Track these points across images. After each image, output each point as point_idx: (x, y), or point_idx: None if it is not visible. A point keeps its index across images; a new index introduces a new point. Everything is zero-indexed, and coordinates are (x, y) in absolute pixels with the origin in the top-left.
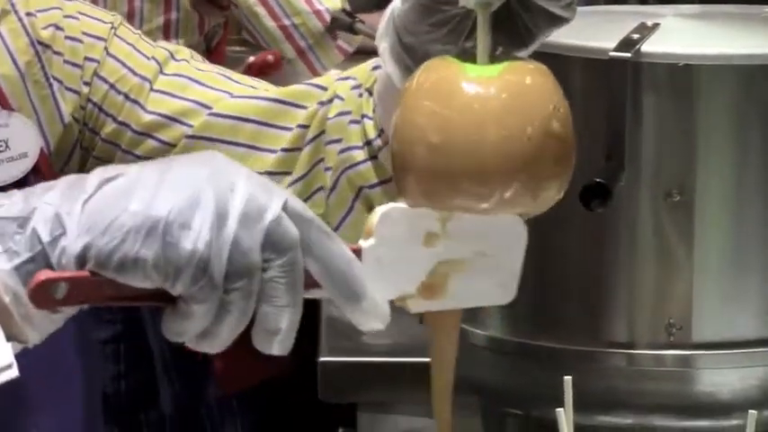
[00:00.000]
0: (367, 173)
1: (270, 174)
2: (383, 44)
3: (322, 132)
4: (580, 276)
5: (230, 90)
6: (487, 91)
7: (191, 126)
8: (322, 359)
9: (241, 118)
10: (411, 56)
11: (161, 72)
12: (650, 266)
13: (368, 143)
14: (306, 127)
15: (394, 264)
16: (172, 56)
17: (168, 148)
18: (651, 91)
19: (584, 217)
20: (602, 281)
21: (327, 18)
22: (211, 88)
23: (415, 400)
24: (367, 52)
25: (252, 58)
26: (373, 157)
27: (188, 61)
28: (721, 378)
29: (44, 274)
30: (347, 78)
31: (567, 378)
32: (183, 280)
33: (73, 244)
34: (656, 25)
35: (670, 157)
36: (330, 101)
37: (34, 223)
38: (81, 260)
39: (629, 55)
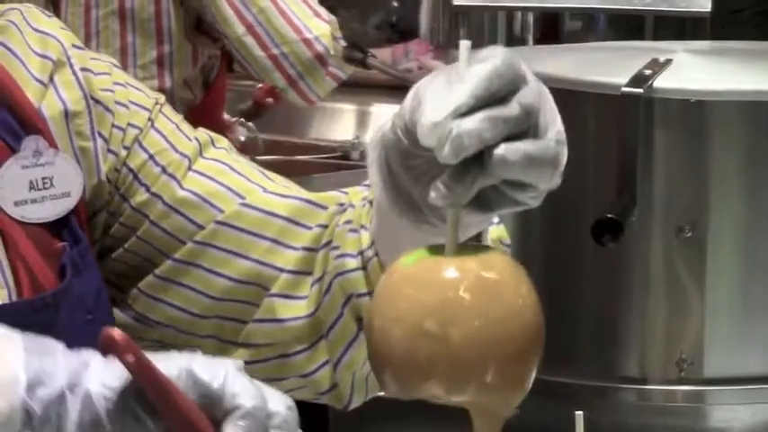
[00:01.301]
0: (357, 281)
1: (293, 273)
2: (370, 154)
3: (332, 240)
4: (592, 311)
5: (264, 185)
6: (459, 285)
7: (222, 211)
8: None
9: (272, 213)
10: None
11: (201, 154)
12: (661, 302)
13: (361, 253)
14: (325, 227)
15: None
16: (212, 142)
17: (196, 230)
18: (663, 127)
19: (596, 252)
20: (613, 316)
21: (317, 46)
22: (247, 179)
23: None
24: (376, 86)
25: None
26: (365, 267)
27: (227, 150)
28: (732, 414)
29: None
30: (365, 186)
31: (579, 413)
32: None
33: None
34: (668, 61)
35: (681, 193)
36: (345, 209)
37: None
38: None
39: (641, 91)
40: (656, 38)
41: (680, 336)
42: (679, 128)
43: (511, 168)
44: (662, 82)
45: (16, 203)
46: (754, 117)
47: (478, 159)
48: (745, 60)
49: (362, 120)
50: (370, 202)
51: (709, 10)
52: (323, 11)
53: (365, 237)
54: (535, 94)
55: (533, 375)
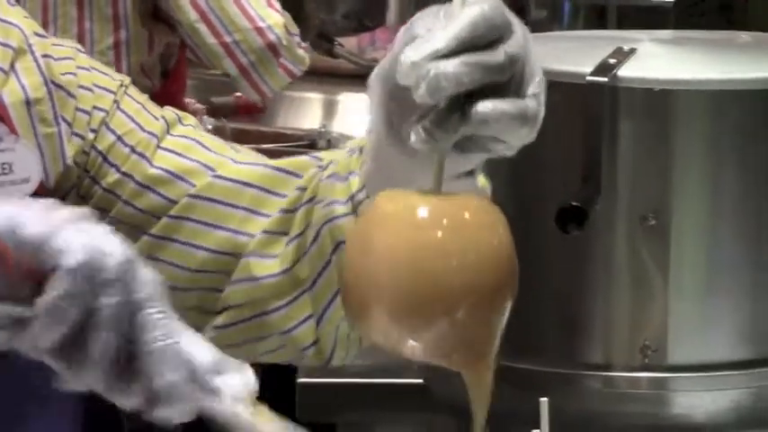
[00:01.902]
0: (346, 227)
1: (267, 233)
2: (370, 86)
3: (315, 195)
4: (556, 299)
5: (233, 157)
6: (437, 224)
7: (194, 185)
8: (300, 380)
9: (243, 182)
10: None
11: (168, 132)
12: (625, 289)
13: (351, 197)
14: (303, 189)
15: None
16: (179, 120)
17: (170, 205)
18: (627, 115)
19: (561, 240)
20: (577, 303)
21: (269, 35)
22: (216, 153)
23: (392, 419)
24: (343, 75)
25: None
26: (355, 211)
27: (194, 127)
28: (696, 400)
29: None
30: (348, 149)
31: (544, 400)
32: None
33: None
34: (632, 50)
35: (646, 181)
36: (326, 166)
37: None
38: None
39: (605, 79)
40: (619, 27)
41: (644, 323)
42: (643, 117)
43: (490, 127)
44: (626, 71)
45: None
46: (718, 106)
47: (461, 107)
48: (708, 50)
49: (330, 109)
50: (360, 150)
51: (672, 0)
52: (276, 3)
53: (354, 181)
54: (521, 44)
55: (505, 319)
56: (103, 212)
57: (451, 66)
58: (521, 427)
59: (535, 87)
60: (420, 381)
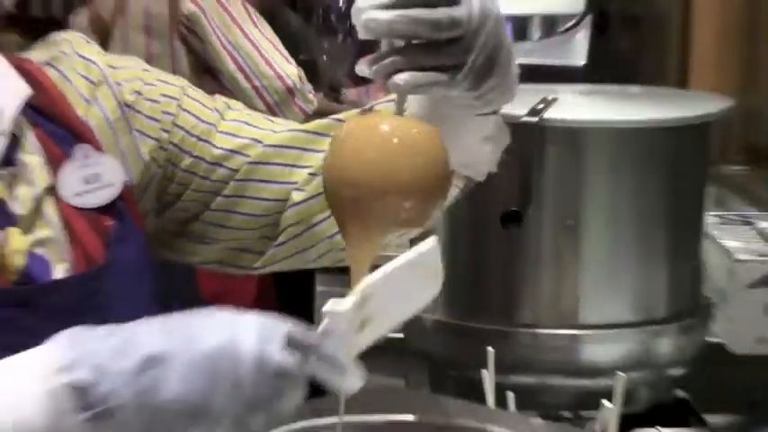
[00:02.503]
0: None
1: (310, 174)
2: None
3: None
4: (499, 276)
5: (272, 128)
6: (391, 135)
7: (248, 156)
8: (319, 288)
9: (284, 146)
10: None
11: (222, 119)
12: (549, 270)
13: None
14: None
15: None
16: (228, 106)
17: (233, 173)
18: (551, 146)
19: (503, 235)
20: (515, 279)
21: (287, 81)
22: (259, 128)
23: (381, 367)
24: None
25: None
26: None
27: (239, 110)
28: (599, 350)
29: None
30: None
31: (490, 349)
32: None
33: (132, 423)
34: (554, 99)
35: (564, 194)
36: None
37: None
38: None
39: (536, 120)
40: (543, 82)
41: (562, 294)
42: (563, 147)
43: (401, 88)
44: (550, 114)
45: (76, 194)
46: (617, 139)
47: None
48: (608, 98)
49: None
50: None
51: (584, 62)
52: (291, 59)
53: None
54: (471, 13)
55: (442, 202)
56: (185, 187)
57: (385, 15)
58: (474, 368)
59: (486, 52)
60: (400, 335)
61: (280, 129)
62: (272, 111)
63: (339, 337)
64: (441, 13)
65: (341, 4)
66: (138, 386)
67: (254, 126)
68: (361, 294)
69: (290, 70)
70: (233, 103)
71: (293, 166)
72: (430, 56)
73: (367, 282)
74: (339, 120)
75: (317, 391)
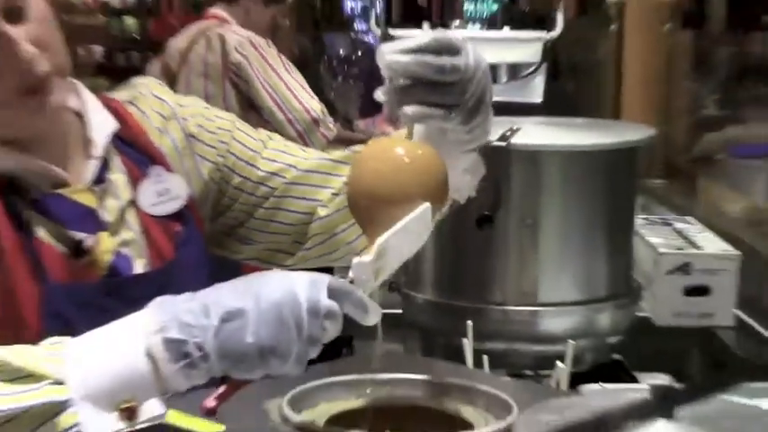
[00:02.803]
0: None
1: (333, 194)
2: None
3: None
4: (476, 266)
5: (305, 156)
6: (403, 156)
7: (285, 178)
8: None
9: (313, 170)
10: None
11: (264, 147)
12: (515, 260)
13: None
14: None
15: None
16: (269, 137)
17: (273, 191)
18: (516, 164)
19: (479, 233)
20: (488, 267)
21: (312, 113)
22: (294, 156)
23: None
24: (357, 141)
25: None
26: None
27: (278, 141)
28: (554, 323)
29: (211, 403)
30: None
31: (469, 322)
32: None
33: (216, 367)
34: (518, 128)
35: (525, 200)
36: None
37: (187, 349)
38: (219, 372)
39: (504, 144)
40: (508, 115)
41: (524, 279)
42: (525, 165)
43: (409, 117)
44: (516, 139)
45: (151, 205)
46: (566, 160)
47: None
48: (561, 128)
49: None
50: None
51: (540, 100)
52: (315, 96)
53: None
54: (467, 63)
55: (440, 209)
56: (234, 201)
57: (405, 58)
58: (456, 337)
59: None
60: (399, 311)
61: (310, 157)
62: (301, 137)
63: (364, 283)
64: (445, 60)
65: (341, 53)
66: (220, 337)
67: (290, 154)
68: (378, 249)
69: (315, 105)
70: (273, 135)
71: (320, 186)
72: (434, 94)
73: (380, 240)
74: (356, 151)
75: (335, 354)
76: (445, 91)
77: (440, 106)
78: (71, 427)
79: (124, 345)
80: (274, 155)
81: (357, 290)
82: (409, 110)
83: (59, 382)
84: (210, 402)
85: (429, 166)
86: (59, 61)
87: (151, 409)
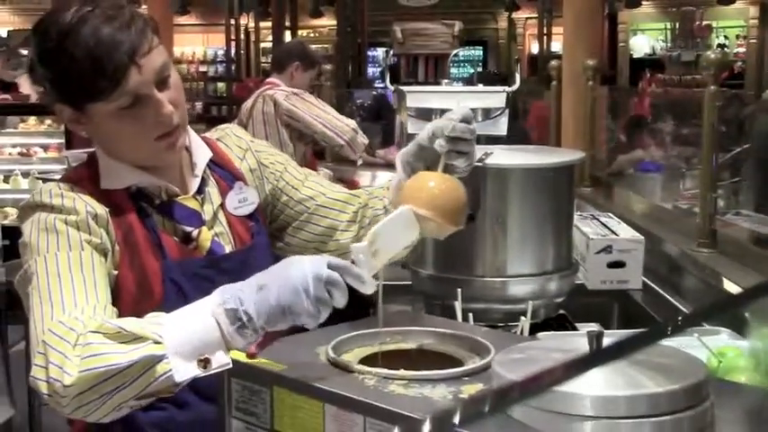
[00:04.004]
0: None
1: (348, 221)
2: (399, 159)
3: (367, 204)
4: (464, 250)
5: (332, 189)
6: (437, 185)
7: (317, 201)
8: None
9: (337, 200)
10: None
11: (306, 179)
12: (490, 246)
13: (384, 207)
14: (363, 204)
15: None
16: (310, 173)
17: (307, 209)
18: (491, 180)
19: (466, 227)
20: (472, 252)
21: (351, 127)
22: (324, 187)
23: (402, 301)
24: (376, 165)
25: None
26: (386, 211)
27: (315, 176)
28: (518, 289)
29: (253, 349)
30: (379, 186)
31: (459, 289)
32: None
33: (257, 324)
34: (491, 152)
35: (497, 205)
36: (371, 193)
37: (239, 314)
38: (260, 330)
39: (482, 164)
40: (483, 144)
41: (497, 259)
42: (496, 179)
43: (460, 161)
44: (489, 161)
45: (234, 208)
46: (525, 175)
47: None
48: (520, 153)
49: (371, 177)
50: (387, 187)
51: (505, 134)
52: (347, 119)
53: (384, 200)
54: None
55: (462, 224)
56: (281, 213)
57: (456, 130)
58: (450, 300)
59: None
60: (409, 282)
61: (335, 190)
62: (347, 144)
63: (361, 261)
64: (472, 125)
65: (364, 102)
66: (257, 303)
67: (322, 185)
68: (371, 236)
69: (350, 121)
70: (311, 173)
71: (339, 211)
72: (459, 143)
73: (373, 230)
74: (368, 191)
75: (364, 314)
76: (465, 143)
77: (458, 152)
78: (165, 373)
79: (201, 316)
80: (312, 185)
81: (353, 266)
82: (443, 146)
83: (158, 342)
84: (253, 349)
85: (456, 193)
86: (184, 115)
87: (219, 360)
